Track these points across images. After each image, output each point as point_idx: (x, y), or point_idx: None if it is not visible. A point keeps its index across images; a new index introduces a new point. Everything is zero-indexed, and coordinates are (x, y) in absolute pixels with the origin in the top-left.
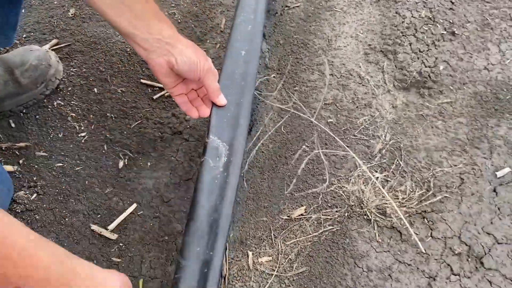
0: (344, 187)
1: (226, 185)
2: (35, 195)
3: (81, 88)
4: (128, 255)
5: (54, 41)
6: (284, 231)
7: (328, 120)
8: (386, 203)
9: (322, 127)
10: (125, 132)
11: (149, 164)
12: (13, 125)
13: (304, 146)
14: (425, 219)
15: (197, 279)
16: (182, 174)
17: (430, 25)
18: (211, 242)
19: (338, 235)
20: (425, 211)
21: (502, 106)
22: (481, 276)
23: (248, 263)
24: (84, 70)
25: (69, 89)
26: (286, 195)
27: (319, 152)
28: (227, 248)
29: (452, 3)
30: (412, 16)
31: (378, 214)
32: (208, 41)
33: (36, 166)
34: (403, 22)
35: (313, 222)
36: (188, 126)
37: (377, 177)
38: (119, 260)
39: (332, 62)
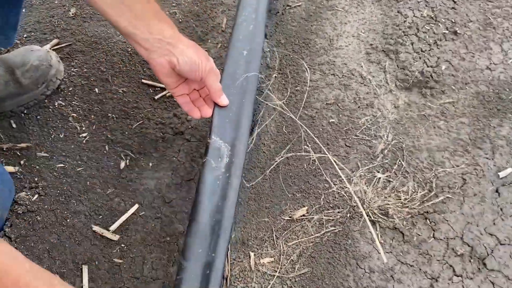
0: (346, 187)
1: (228, 185)
2: (36, 196)
3: (82, 88)
4: (129, 256)
5: (55, 41)
6: (286, 232)
7: (330, 120)
8: (388, 204)
9: (305, 128)
10: (126, 133)
11: (150, 164)
12: (14, 125)
13: (305, 146)
14: (427, 220)
15: (199, 280)
16: (184, 175)
17: (432, 25)
18: (213, 244)
19: (340, 236)
20: (427, 212)
21: (504, 106)
22: (483, 277)
23: (250, 264)
24: (85, 70)
25: (70, 89)
26: (288, 196)
27: (321, 152)
28: (229, 249)
29: (454, 2)
30: (414, 16)
31: (380, 215)
32: (209, 40)
33: (37, 167)
34: (405, 21)
35: (315, 223)
36: (189, 127)
37: (379, 178)
38: (120, 261)
39: (334, 61)
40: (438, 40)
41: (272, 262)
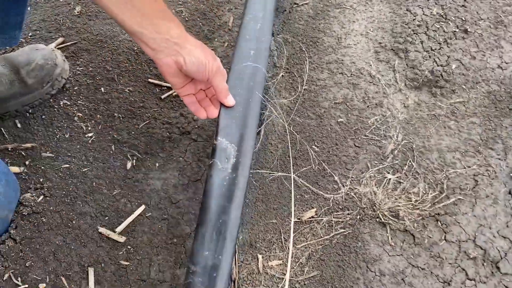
0: (356, 188)
1: (235, 187)
2: (41, 197)
3: (88, 88)
4: (136, 258)
5: (60, 39)
6: (294, 234)
7: (338, 120)
8: (399, 206)
9: (295, 134)
10: (133, 132)
11: (157, 164)
12: (19, 125)
13: (314, 146)
14: (439, 222)
15: (206, 284)
16: (191, 175)
17: (442, 23)
18: (220, 246)
19: (350, 238)
20: (438, 214)
21: None
22: (497, 281)
23: (258, 266)
24: (90, 69)
25: (76, 88)
26: (296, 197)
27: (328, 152)
28: (236, 251)
29: (465, 0)
30: (423, 14)
31: (391, 217)
32: (216, 39)
33: (42, 167)
34: (414, 19)
35: (324, 225)
36: (196, 126)
37: (390, 179)
38: (127, 263)
39: (342, 60)
40: (448, 38)
41: (280, 264)
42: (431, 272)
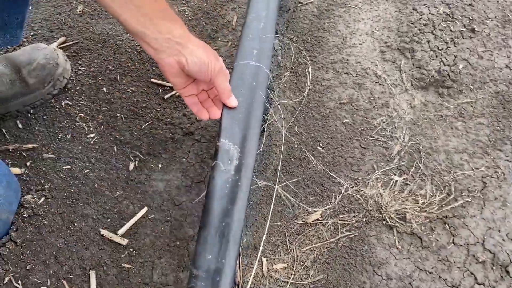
0: (362, 190)
1: (238, 189)
2: (43, 199)
3: (90, 88)
4: (139, 261)
5: (62, 39)
6: (299, 237)
7: (344, 121)
8: (406, 208)
9: (292, 139)
10: (135, 133)
11: (160, 166)
12: (20, 126)
13: (319, 147)
14: (447, 225)
15: None
16: (194, 176)
17: (449, 22)
18: (223, 249)
19: (356, 241)
20: (446, 217)
21: None
22: (506, 285)
23: (262, 270)
24: (92, 69)
25: (78, 88)
26: (301, 199)
27: (334, 154)
28: (241, 254)
29: None
30: (429, 13)
31: (397, 220)
32: (219, 39)
33: (43, 169)
34: (420, 18)
35: (330, 228)
36: (199, 127)
37: (396, 181)
38: (129, 266)
39: (347, 60)
40: (455, 38)
41: (285, 268)
42: (439, 276)
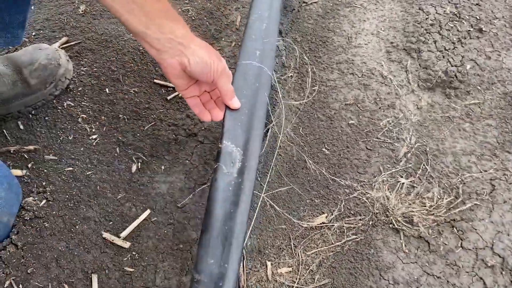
0: (368, 193)
1: (240, 192)
2: (44, 201)
3: (92, 88)
4: (141, 265)
5: (64, 39)
6: (304, 240)
7: (349, 122)
8: (413, 211)
9: (296, 149)
10: (138, 134)
11: (163, 167)
12: (21, 127)
13: (324, 149)
14: (454, 228)
15: None
16: (197, 178)
17: (456, 22)
18: (226, 253)
19: (362, 245)
20: (454, 220)
21: None
22: None
23: (267, 274)
24: (95, 69)
25: (80, 89)
26: (306, 201)
27: (339, 155)
28: (244, 257)
29: None
30: (436, 12)
31: (404, 223)
32: (223, 39)
33: (45, 171)
34: (427, 18)
35: (336, 231)
36: (203, 128)
37: (403, 183)
38: (132, 270)
39: (353, 60)
40: (462, 38)
41: (290, 272)
42: (447, 281)
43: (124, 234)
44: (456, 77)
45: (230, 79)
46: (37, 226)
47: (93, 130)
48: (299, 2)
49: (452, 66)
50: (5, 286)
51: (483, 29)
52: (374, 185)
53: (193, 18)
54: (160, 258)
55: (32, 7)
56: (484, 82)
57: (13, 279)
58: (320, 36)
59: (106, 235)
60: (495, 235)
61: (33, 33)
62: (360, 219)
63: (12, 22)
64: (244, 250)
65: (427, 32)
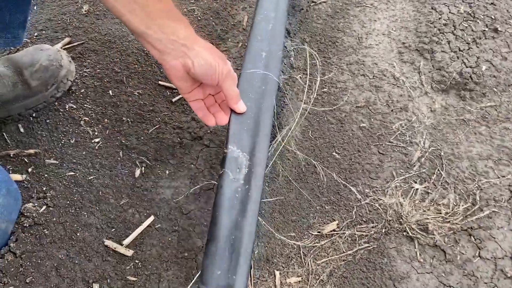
0: (381, 199)
1: (248, 199)
2: (44, 207)
3: (95, 90)
4: (144, 274)
5: (67, 39)
6: (314, 249)
7: (361, 125)
8: (427, 218)
9: (303, 156)
10: (142, 138)
11: (167, 172)
12: (22, 130)
13: (334, 153)
14: (472, 237)
15: None
16: (203, 184)
17: (470, 22)
18: (234, 264)
19: (374, 253)
20: (471, 228)
21: None
22: None
23: (275, 283)
24: (98, 70)
25: (82, 91)
26: (316, 208)
27: (351, 160)
28: (252, 266)
29: None
30: (449, 12)
31: (419, 231)
32: (229, 39)
33: (46, 175)
34: (440, 18)
35: (347, 239)
36: (208, 131)
37: (417, 189)
38: (134, 279)
39: (363, 61)
40: (477, 38)
41: (299, 282)
42: None
43: (127, 241)
44: (471, 79)
45: (235, 82)
46: (37, 233)
47: (96, 133)
48: (308, 2)
49: (467, 67)
50: None
51: (499, 29)
52: (387, 191)
53: (199, 18)
54: (164, 266)
55: (35, 7)
56: (500, 84)
57: None
58: (330, 37)
59: (108, 242)
60: None
61: (35, 34)
62: (372, 227)
63: (13, 22)
64: (251, 260)
65: (440, 32)
